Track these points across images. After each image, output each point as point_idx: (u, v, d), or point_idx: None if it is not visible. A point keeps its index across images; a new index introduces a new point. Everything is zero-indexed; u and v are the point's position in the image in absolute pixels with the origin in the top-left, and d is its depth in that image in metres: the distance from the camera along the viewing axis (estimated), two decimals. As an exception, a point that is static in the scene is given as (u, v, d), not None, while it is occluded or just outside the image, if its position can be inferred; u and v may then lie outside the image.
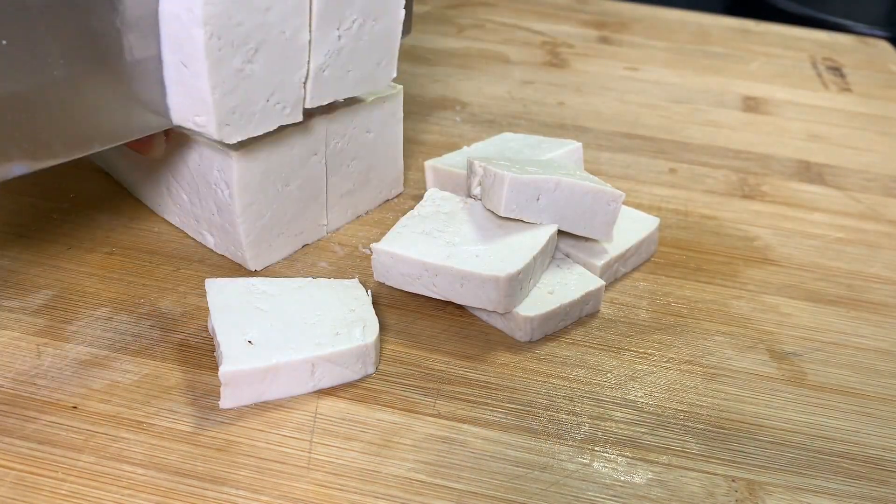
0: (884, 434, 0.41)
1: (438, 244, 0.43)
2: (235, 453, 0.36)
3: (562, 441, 0.38)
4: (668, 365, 0.43)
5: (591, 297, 0.45)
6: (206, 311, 0.43)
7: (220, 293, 0.41)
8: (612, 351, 0.44)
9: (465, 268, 0.41)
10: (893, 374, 0.44)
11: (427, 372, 0.41)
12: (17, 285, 0.44)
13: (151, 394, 0.38)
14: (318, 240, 0.50)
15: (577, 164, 0.54)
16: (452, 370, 0.42)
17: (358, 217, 0.53)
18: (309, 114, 0.45)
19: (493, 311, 0.43)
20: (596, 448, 0.38)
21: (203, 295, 0.44)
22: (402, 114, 0.52)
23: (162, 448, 0.36)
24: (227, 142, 0.40)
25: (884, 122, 0.74)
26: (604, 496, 0.36)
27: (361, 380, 0.40)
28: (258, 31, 0.39)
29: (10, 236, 0.48)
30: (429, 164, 0.54)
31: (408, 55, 0.78)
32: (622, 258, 0.49)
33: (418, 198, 0.53)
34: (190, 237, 0.49)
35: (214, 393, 0.39)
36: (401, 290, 0.45)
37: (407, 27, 0.53)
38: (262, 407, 0.38)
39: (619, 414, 0.40)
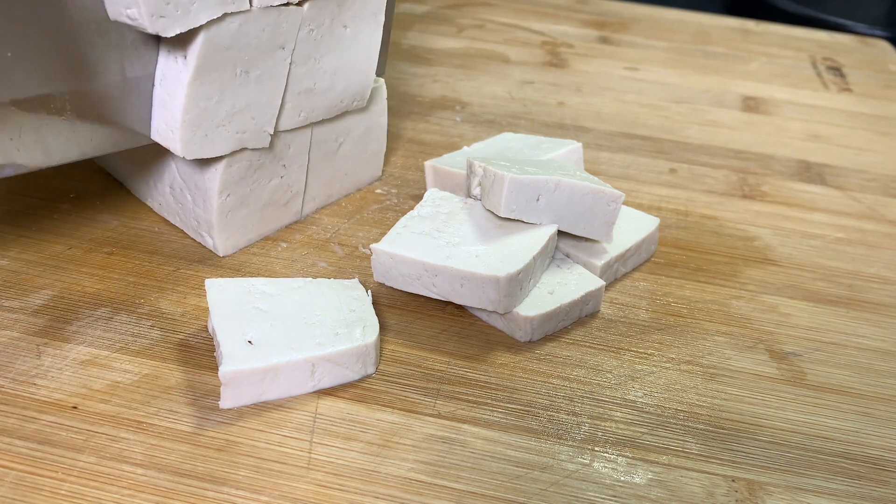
0: (884, 434, 0.41)
1: (438, 244, 0.43)
2: (235, 453, 0.36)
3: (562, 441, 0.38)
4: (667, 365, 0.43)
5: (591, 297, 0.45)
6: (206, 311, 0.43)
7: (220, 293, 0.41)
8: (612, 351, 0.44)
9: (464, 268, 0.41)
10: (893, 374, 0.44)
11: (427, 372, 0.41)
12: (17, 285, 0.44)
13: (151, 394, 0.38)
14: (293, 223, 0.51)
15: (577, 165, 0.54)
16: (452, 370, 0.42)
17: (335, 202, 0.53)
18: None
19: (493, 312, 0.43)
20: (596, 448, 0.38)
21: (203, 295, 0.44)
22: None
23: (162, 448, 0.36)
24: (187, 157, 0.43)
25: (884, 122, 0.74)
26: (604, 496, 0.36)
27: (361, 380, 0.40)
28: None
29: (10, 236, 0.48)
30: (429, 164, 0.54)
31: (408, 55, 0.78)
32: (622, 258, 0.49)
33: (418, 198, 0.53)
34: (189, 237, 0.49)
35: (214, 393, 0.39)
36: (401, 291, 0.45)
37: (381, 69, 0.53)
38: (262, 407, 0.38)
39: (619, 414, 0.40)
